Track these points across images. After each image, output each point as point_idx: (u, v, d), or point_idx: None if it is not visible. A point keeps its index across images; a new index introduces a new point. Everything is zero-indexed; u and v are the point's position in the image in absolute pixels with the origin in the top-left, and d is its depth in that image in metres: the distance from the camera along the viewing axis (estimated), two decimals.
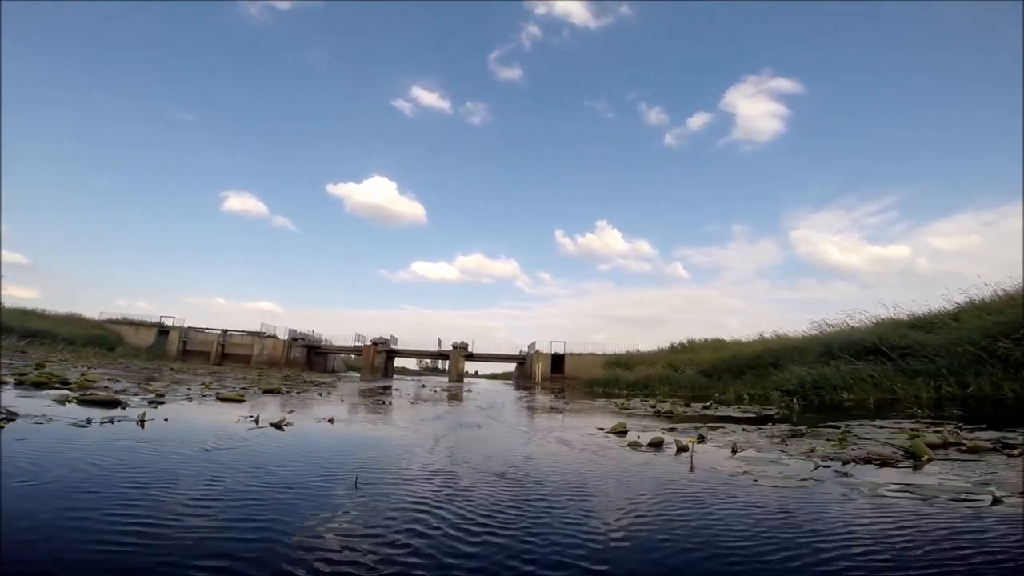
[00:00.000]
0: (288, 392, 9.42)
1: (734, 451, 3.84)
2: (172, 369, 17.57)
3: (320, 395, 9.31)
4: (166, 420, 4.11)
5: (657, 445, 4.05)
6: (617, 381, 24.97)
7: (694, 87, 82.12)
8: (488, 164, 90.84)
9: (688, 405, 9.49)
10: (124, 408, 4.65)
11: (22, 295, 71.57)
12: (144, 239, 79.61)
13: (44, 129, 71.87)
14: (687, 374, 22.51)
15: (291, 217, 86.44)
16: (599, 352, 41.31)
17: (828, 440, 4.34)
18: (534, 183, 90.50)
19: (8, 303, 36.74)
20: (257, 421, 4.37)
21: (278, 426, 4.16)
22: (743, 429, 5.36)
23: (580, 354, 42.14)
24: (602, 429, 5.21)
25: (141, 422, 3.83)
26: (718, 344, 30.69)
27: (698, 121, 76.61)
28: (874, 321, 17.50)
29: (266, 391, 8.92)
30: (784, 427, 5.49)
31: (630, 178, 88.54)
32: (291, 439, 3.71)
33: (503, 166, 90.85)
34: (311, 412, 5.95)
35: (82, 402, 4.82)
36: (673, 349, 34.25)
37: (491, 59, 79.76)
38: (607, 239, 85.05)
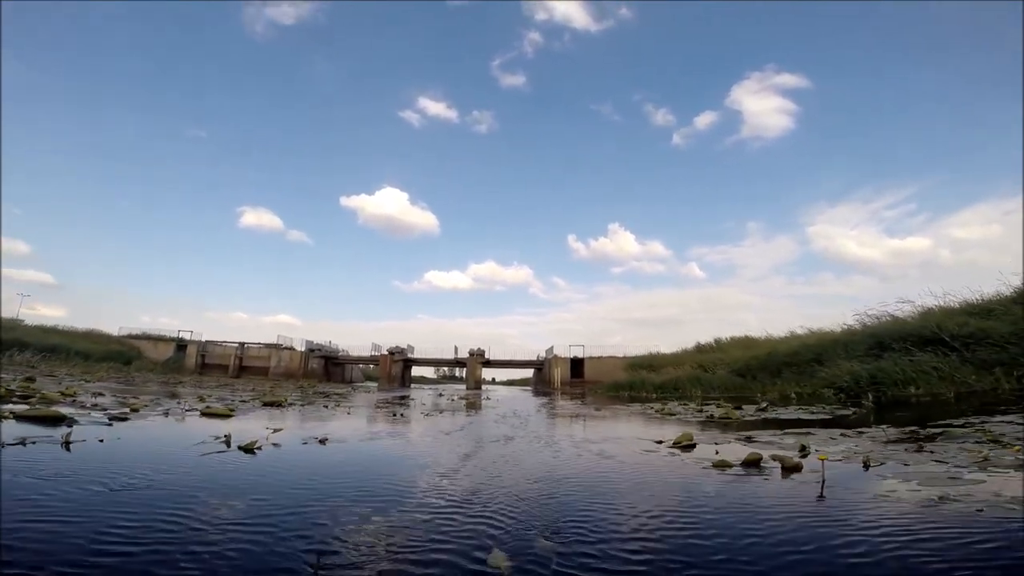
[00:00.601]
0: (292, 405, 8.54)
1: (867, 466, 2.76)
2: (181, 382, 16.95)
3: (326, 407, 8.40)
4: (101, 441, 3.19)
5: (753, 464, 2.98)
6: (643, 384, 23.62)
7: (698, 86, 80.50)
8: (497, 171, 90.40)
9: (739, 408, 8.31)
10: (70, 426, 3.76)
11: (49, 313, 73.50)
12: (165, 256, 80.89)
13: (64, 150, 73.71)
14: (719, 374, 21.10)
15: (306, 230, 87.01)
16: (620, 355, 39.81)
17: (977, 443, 3.23)
18: (544, 189, 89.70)
19: (36, 321, 37.49)
20: (228, 442, 3.43)
21: (248, 449, 3.20)
22: (841, 434, 4.24)
23: (600, 357, 40.67)
24: (661, 442, 4.14)
25: (66, 444, 2.92)
26: (748, 342, 29.12)
27: (705, 120, 75.05)
28: (921, 310, 16.14)
29: (266, 404, 8.04)
30: (892, 430, 4.35)
31: (640, 180, 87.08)
32: (257, 468, 2.75)
33: (512, 173, 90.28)
34: (305, 429, 5.02)
35: (22, 418, 3.95)
36: (700, 349, 32.70)
37: (494, 67, 79.53)
38: (620, 242, 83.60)
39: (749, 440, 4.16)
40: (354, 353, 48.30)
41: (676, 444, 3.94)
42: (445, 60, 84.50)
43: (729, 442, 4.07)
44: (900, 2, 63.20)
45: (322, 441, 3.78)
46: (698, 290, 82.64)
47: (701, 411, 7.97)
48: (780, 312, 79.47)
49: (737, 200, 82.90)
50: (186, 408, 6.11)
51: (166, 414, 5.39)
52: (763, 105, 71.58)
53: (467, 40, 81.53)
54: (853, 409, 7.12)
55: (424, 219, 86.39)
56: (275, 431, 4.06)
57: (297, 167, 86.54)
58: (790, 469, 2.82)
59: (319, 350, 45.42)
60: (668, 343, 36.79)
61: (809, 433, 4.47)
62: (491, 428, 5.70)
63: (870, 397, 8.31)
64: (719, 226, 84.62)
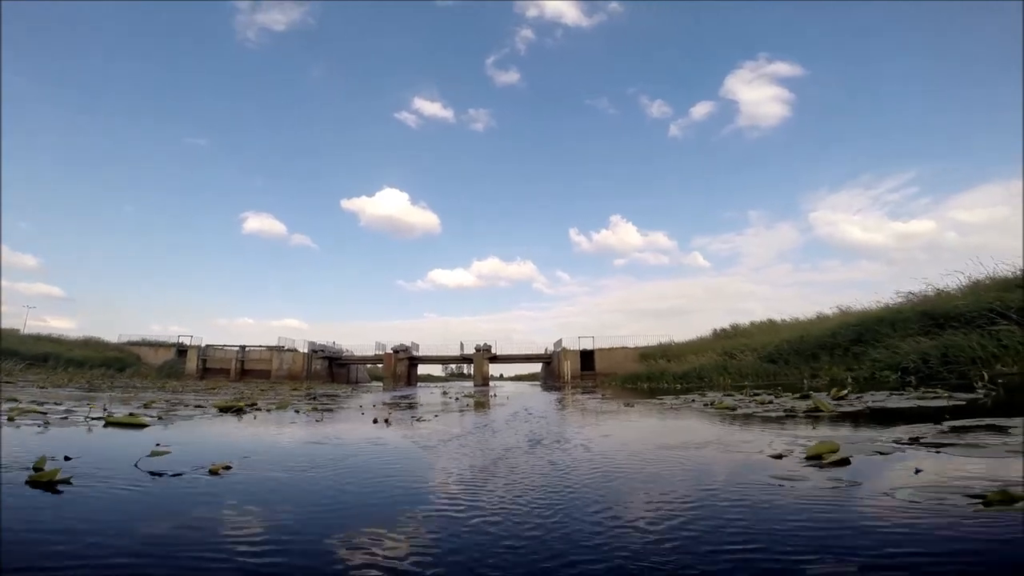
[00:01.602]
0: (259, 410, 7.02)
1: None
2: (161, 387, 15.50)
3: (298, 412, 6.85)
4: None
5: None
6: (662, 374, 22.01)
7: (692, 77, 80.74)
8: (496, 168, 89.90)
9: (806, 396, 6.69)
10: None
11: (59, 325, 73.20)
12: (171, 265, 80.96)
13: (67, 161, 73.16)
14: (747, 360, 19.43)
15: (309, 234, 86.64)
16: (630, 346, 38.25)
17: None
18: (543, 184, 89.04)
19: (49, 332, 37.01)
20: (39, 468, 1.90)
21: (47, 486, 1.66)
22: None
23: (610, 349, 39.13)
24: (780, 456, 2.54)
25: None
26: (770, 326, 27.45)
27: (701, 110, 75.21)
28: (968, 283, 14.54)
29: (224, 410, 6.50)
30: None
31: (640, 171, 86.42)
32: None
33: (511, 169, 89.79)
34: (224, 444, 3.48)
35: None
36: (717, 336, 31.05)
37: (488, 65, 78.95)
38: (622, 234, 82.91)
39: (922, 443, 2.56)
40: (359, 352, 46.90)
41: (816, 458, 2.35)
42: (438, 60, 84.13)
43: (901, 450, 2.46)
44: None
45: (217, 472, 2.21)
46: (703, 280, 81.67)
47: (766, 402, 6.34)
48: (787, 300, 79.51)
49: (737, 189, 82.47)
50: (91, 416, 4.57)
51: (44, 424, 3.86)
52: (758, 94, 72.09)
53: (459, 39, 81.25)
54: (982, 392, 5.46)
55: (425, 218, 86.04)
56: (156, 453, 2.51)
57: (296, 172, 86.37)
58: None
59: (322, 351, 44.03)
60: (676, 333, 35.37)
61: (998, 427, 2.86)
62: (505, 434, 4.13)
63: (985, 377, 6.63)
64: (721, 215, 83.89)
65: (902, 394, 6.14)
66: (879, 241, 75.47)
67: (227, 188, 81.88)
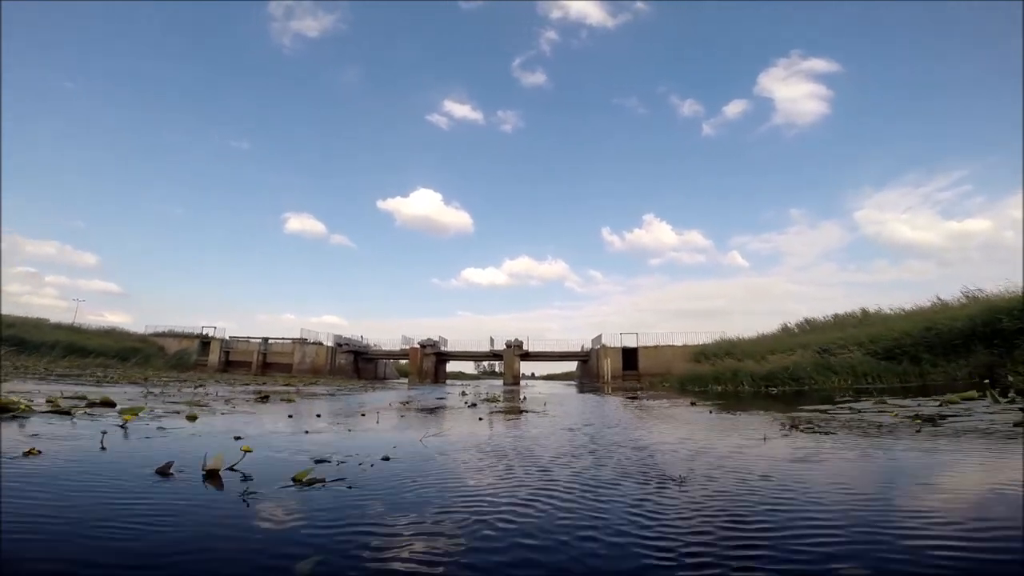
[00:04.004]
0: (97, 414, 3.76)
1: None
2: (114, 378, 12.86)
3: (122, 425, 3.53)
4: None
5: None
6: (735, 375, 17.80)
7: (723, 76, 76.31)
8: (526, 168, 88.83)
9: None
10: None
11: (117, 320, 75.70)
12: (218, 263, 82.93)
13: (121, 164, 75.36)
14: (855, 357, 15.08)
15: (347, 234, 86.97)
16: (679, 343, 33.79)
17: None
18: (574, 184, 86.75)
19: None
20: None
21: None
22: None
23: (656, 346, 34.79)
24: None
25: None
26: (859, 319, 22.65)
27: (734, 109, 71.16)
28: None
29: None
30: None
31: (672, 171, 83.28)
32: None
33: (541, 169, 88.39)
34: None
35: None
36: (790, 332, 26.36)
37: (514, 67, 77.55)
38: (656, 233, 79.44)
39: None
40: (385, 347, 44.46)
41: None
42: (466, 62, 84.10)
43: None
44: None
45: None
46: (742, 279, 77.11)
47: None
48: (833, 300, 74.85)
49: (776, 187, 78.34)
50: None
51: None
52: (794, 91, 67.55)
53: (485, 41, 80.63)
54: None
55: (458, 218, 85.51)
56: None
57: (334, 174, 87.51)
58: None
59: (347, 345, 41.70)
60: (720, 333, 31.10)
61: None
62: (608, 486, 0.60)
63: None
64: (760, 214, 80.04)
65: None
66: (931, 240, 70.66)
67: (269, 190, 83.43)
